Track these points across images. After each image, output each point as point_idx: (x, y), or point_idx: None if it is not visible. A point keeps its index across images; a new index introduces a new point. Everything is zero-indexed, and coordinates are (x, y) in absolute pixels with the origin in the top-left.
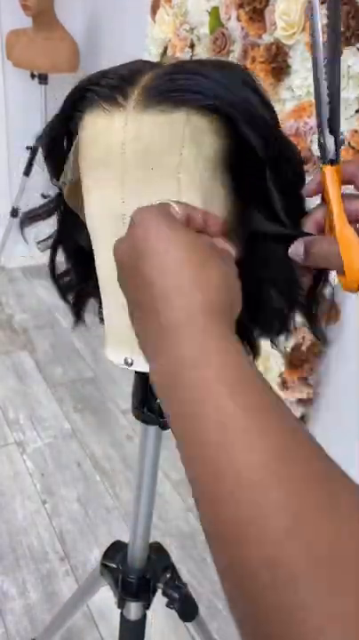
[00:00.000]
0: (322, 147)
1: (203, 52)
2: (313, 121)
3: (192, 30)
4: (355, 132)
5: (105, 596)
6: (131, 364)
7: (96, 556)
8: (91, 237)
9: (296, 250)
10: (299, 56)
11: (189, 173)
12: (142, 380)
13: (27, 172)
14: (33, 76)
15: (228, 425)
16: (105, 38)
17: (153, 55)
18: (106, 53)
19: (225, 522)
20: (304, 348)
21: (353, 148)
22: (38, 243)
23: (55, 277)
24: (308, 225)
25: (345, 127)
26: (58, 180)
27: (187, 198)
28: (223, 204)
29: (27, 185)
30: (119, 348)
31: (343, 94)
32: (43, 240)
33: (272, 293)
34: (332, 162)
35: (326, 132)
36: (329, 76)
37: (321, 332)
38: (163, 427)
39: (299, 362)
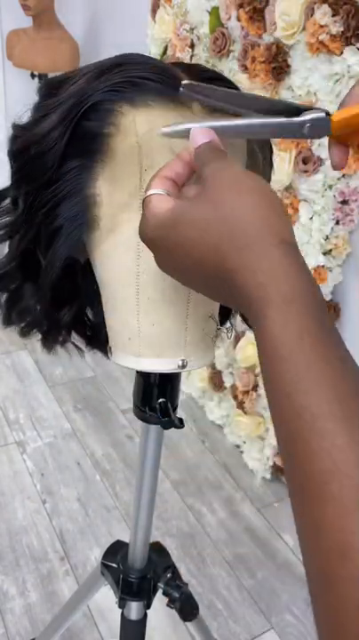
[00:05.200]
0: (321, 119)
1: (203, 52)
2: None
3: (192, 30)
4: None
5: (105, 595)
6: (185, 365)
7: (96, 555)
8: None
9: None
10: (299, 56)
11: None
12: (144, 379)
13: None
14: (33, 75)
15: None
16: (105, 38)
17: (153, 55)
18: (106, 54)
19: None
20: None
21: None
22: None
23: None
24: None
25: None
26: (35, 182)
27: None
28: None
29: None
30: (170, 353)
31: (343, 94)
32: None
33: None
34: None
35: (307, 115)
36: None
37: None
38: (165, 426)
39: None
